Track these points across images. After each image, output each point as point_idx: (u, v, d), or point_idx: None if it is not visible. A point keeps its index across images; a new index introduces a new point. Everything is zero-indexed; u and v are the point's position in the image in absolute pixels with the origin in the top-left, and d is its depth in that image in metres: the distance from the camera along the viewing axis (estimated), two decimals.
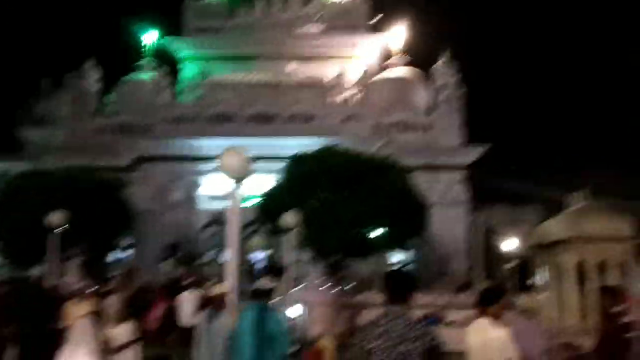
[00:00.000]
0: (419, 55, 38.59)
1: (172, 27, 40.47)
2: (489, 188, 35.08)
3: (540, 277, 17.84)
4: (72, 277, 18.95)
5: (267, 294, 6.51)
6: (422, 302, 22.34)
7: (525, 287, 27.56)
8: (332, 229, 16.30)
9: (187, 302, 14.00)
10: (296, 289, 15.30)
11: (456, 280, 28.27)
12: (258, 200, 20.18)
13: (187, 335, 10.77)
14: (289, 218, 13.75)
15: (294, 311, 13.31)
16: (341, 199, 16.37)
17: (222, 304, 7.13)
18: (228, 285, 7.22)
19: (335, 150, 18.72)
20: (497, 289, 6.72)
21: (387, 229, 17.04)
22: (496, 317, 5.67)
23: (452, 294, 23.80)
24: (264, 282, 6.79)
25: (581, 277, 14.96)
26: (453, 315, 20.99)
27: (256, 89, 34.44)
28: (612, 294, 7.46)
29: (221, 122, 32.75)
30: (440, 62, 33.81)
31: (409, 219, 17.44)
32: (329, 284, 16.67)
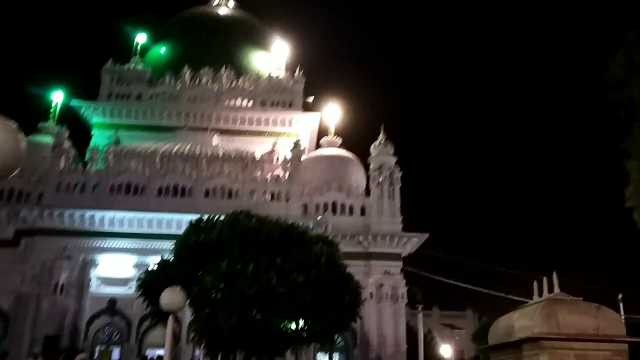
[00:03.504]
0: (353, 137, 36.18)
1: (85, 89, 37.01)
2: (424, 285, 31.33)
3: None
4: None
5: None
6: None
7: None
8: (231, 312, 11.59)
9: None
10: None
11: None
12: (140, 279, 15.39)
13: None
14: (169, 298, 9.41)
15: None
16: (246, 273, 11.86)
17: None
18: None
19: (249, 213, 14.53)
20: None
21: (309, 317, 12.67)
22: None
23: None
24: None
25: None
26: None
27: (172, 160, 30.46)
28: None
29: (127, 194, 28.27)
30: (377, 143, 30.92)
31: (337, 305, 13.16)
32: None
